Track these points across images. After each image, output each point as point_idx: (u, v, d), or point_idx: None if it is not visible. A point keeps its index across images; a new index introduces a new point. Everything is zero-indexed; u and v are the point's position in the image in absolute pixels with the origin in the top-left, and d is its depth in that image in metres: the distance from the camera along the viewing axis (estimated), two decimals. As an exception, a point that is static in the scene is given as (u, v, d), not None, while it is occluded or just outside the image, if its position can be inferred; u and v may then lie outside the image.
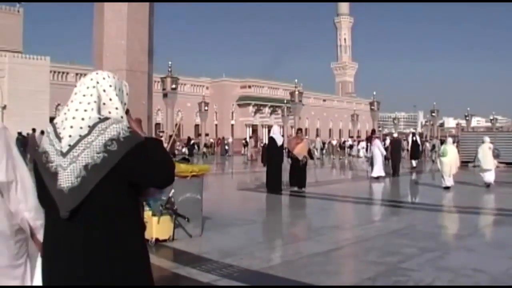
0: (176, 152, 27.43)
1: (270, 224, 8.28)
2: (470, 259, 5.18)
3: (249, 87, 74.88)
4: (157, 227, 5.52)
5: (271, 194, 11.29)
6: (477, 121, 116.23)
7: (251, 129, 73.50)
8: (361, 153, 37.99)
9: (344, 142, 42.17)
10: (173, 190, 2.94)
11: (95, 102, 1.66)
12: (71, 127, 1.61)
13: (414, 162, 21.64)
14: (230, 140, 42.12)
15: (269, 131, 14.63)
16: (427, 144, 32.65)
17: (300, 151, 12.14)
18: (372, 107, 46.62)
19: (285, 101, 53.99)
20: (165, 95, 32.57)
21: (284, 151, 13.01)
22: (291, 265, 5.06)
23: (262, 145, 31.41)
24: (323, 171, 22.24)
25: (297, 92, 40.73)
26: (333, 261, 5.29)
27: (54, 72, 54.49)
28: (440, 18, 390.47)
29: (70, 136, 1.60)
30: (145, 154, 1.63)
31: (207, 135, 47.46)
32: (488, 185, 13.02)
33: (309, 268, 5.05)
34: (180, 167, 5.70)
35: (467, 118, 64.14)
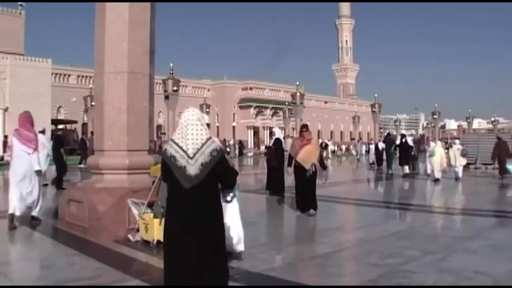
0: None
1: (271, 226, 8.29)
2: (471, 261, 5.17)
3: (251, 89, 74.93)
4: (159, 229, 5.47)
5: (273, 196, 11.28)
6: (479, 123, 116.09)
7: (252, 131, 73.53)
8: (330, 154, 38.14)
9: (321, 143, 42.08)
10: (237, 192, 4.54)
11: (202, 129, 3.08)
12: (193, 143, 3.02)
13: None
14: (232, 142, 42.15)
15: (270, 133, 14.04)
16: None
17: (306, 157, 8.42)
18: (374, 109, 46.62)
19: (286, 103, 54.00)
20: (166, 97, 32.52)
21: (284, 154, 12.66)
22: (292, 267, 5.07)
23: (265, 146, 31.31)
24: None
25: (298, 94, 40.71)
26: (335, 263, 5.28)
27: (56, 74, 54.69)
28: (442, 20, 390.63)
29: (193, 148, 3.02)
30: (225, 160, 3.19)
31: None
32: (457, 179, 16.02)
33: (311, 270, 5.07)
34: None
35: (468, 120, 64.13)
